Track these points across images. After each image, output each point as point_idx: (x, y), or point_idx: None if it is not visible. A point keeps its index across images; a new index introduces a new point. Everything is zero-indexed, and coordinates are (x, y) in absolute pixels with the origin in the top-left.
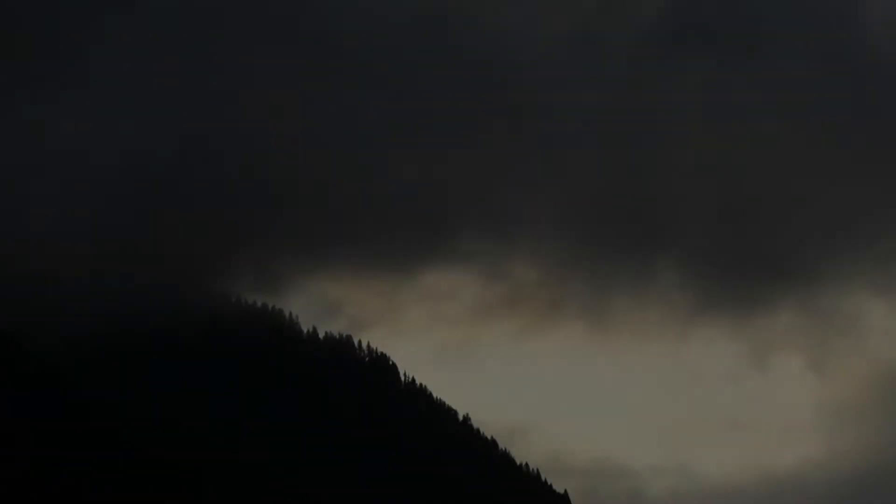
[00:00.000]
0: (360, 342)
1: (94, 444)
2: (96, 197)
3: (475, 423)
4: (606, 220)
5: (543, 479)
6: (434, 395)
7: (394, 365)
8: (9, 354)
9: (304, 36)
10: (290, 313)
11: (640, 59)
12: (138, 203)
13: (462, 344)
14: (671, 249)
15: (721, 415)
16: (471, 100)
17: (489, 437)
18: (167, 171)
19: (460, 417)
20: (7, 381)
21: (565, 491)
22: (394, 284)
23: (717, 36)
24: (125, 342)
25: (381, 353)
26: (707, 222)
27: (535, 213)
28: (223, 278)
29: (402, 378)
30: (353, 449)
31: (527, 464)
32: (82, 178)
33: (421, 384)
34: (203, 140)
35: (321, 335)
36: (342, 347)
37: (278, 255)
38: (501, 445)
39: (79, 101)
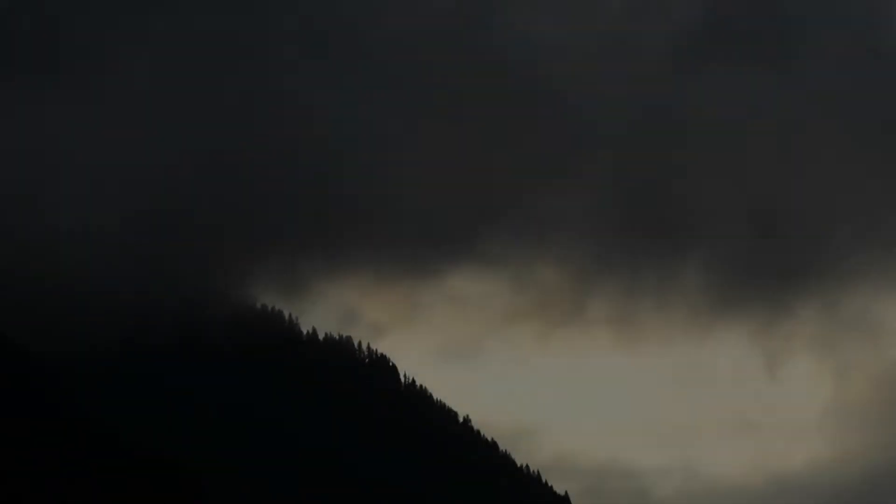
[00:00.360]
0: (359, 343)
1: (94, 446)
2: (114, 203)
3: (476, 424)
4: (633, 222)
5: (544, 480)
6: (434, 396)
7: (394, 366)
8: (11, 358)
9: (332, 41)
10: (290, 314)
11: (672, 62)
12: (159, 210)
13: (480, 346)
14: (695, 252)
15: (729, 416)
16: (499, 102)
17: (489, 439)
18: (187, 179)
19: (461, 419)
20: (9, 384)
21: (566, 492)
22: (416, 288)
23: (750, 39)
24: (126, 344)
25: (381, 354)
26: (733, 226)
27: (561, 216)
28: (242, 283)
29: (402, 379)
30: (352, 451)
31: (527, 465)
32: (100, 185)
33: (421, 385)
34: (222, 147)
35: (321, 336)
36: (342, 349)
37: (300, 259)
38: (502, 447)
39: (94, 109)
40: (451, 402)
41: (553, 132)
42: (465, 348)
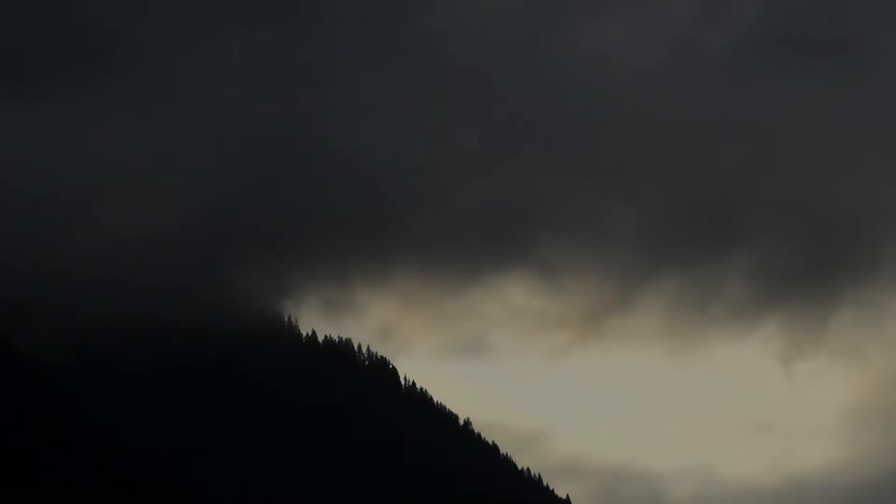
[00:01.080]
0: (359, 346)
1: (94, 446)
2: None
3: (478, 427)
4: (681, 225)
5: (545, 484)
6: (434, 399)
7: (394, 369)
8: (10, 358)
9: (379, 49)
10: (290, 316)
11: (735, 67)
12: (200, 224)
13: (503, 350)
14: (737, 258)
15: (746, 417)
16: (554, 111)
17: (490, 442)
18: (233, 193)
19: (461, 422)
20: (9, 384)
21: (567, 496)
22: (456, 291)
23: (810, 44)
24: (126, 345)
25: (381, 357)
26: (781, 231)
27: (608, 221)
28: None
29: (403, 382)
30: (354, 453)
31: (528, 468)
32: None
33: (422, 388)
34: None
35: (320, 339)
36: (342, 351)
37: (349, 264)
38: (503, 450)
39: (122, 114)
40: (457, 403)
41: (608, 140)
42: (486, 352)
